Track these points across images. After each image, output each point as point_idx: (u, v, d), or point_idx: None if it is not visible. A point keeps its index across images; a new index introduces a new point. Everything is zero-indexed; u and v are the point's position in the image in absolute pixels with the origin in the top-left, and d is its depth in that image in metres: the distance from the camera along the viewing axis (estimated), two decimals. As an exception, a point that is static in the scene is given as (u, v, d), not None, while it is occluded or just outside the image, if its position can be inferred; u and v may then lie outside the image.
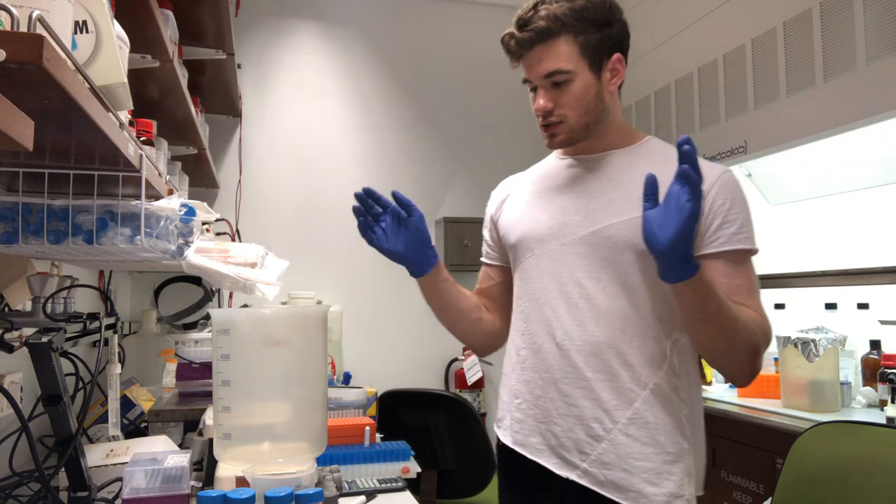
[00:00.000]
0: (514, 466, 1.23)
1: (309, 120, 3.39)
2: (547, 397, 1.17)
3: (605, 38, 1.15)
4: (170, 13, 1.61)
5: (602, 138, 1.22)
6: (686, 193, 0.93)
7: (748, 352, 1.08)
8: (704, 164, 1.15)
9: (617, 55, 1.17)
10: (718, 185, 1.13)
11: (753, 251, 1.13)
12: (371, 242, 1.21)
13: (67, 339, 1.20)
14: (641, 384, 1.12)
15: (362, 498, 1.29)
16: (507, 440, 1.23)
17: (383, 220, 1.20)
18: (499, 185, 1.40)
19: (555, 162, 1.30)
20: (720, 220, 1.11)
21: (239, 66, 3.03)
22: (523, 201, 1.29)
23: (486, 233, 1.39)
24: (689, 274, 0.98)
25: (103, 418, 1.62)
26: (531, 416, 1.19)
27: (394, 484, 1.37)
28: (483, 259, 1.40)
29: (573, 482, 1.13)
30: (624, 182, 1.17)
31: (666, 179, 1.09)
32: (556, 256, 1.19)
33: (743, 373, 1.11)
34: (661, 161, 1.17)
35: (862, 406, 2.18)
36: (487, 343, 1.36)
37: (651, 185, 0.98)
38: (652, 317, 1.12)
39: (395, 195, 1.21)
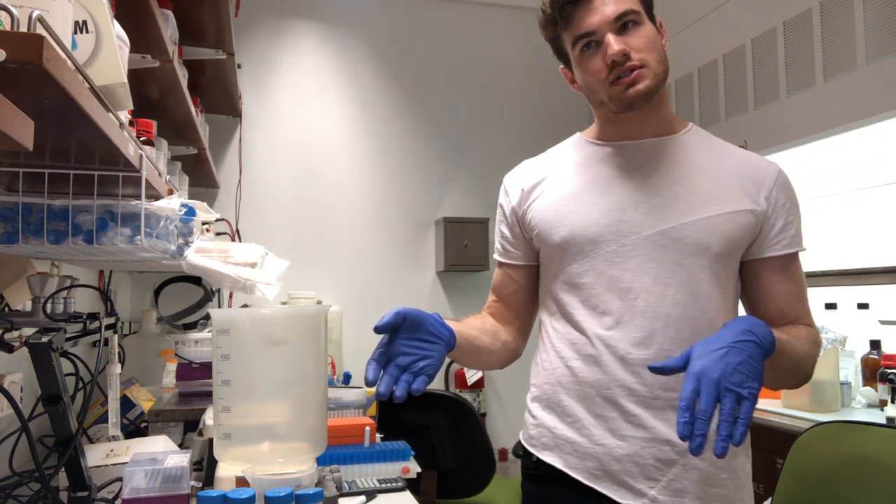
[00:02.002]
0: (555, 491, 1.10)
1: (309, 120, 3.39)
2: (608, 417, 1.04)
3: None
4: (170, 13, 1.61)
5: (650, 117, 1.10)
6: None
7: (808, 373, 1.06)
8: (757, 160, 1.12)
9: (659, 18, 1.11)
10: (779, 184, 1.08)
11: (804, 251, 1.10)
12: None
13: (67, 339, 1.20)
14: None
15: (362, 498, 1.29)
16: (557, 463, 1.09)
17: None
18: (513, 172, 1.24)
19: (590, 148, 1.16)
20: (783, 221, 1.07)
21: (239, 66, 3.03)
22: (563, 193, 1.13)
23: (504, 229, 1.22)
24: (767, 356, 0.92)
25: (103, 418, 1.62)
26: (587, 437, 1.06)
27: (394, 484, 1.37)
28: (501, 258, 1.23)
29: None
30: (685, 176, 1.07)
31: (721, 175, 1.07)
32: (614, 259, 1.06)
33: (796, 387, 1.10)
34: (714, 154, 1.11)
35: (862, 406, 2.18)
36: (505, 364, 1.22)
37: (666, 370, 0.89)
38: None
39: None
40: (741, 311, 1.13)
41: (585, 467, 1.06)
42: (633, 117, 1.09)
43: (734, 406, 0.81)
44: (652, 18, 1.08)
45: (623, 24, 1.03)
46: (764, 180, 1.08)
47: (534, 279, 1.21)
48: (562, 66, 1.17)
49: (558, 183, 1.15)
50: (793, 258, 1.08)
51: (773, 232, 1.06)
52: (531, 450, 1.15)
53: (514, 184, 1.21)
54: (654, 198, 1.06)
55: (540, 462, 1.12)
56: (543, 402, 1.14)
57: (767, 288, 1.08)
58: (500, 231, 1.23)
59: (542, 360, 1.15)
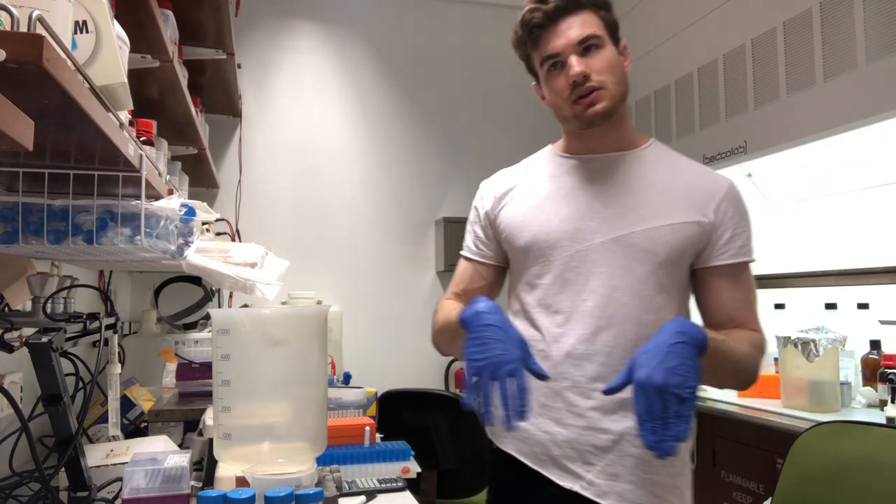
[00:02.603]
0: (511, 476, 1.19)
1: (309, 120, 3.39)
2: (553, 406, 1.14)
3: (614, 21, 1.18)
4: (170, 13, 1.61)
5: (611, 133, 1.19)
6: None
7: (750, 374, 1.12)
8: (710, 175, 1.20)
9: (624, 41, 1.18)
10: (729, 198, 1.15)
11: (753, 262, 1.17)
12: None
13: (67, 339, 1.20)
14: None
15: (362, 498, 1.29)
16: (511, 449, 1.19)
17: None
18: (490, 179, 1.33)
19: (557, 161, 1.25)
20: (730, 232, 1.14)
21: (239, 66, 3.03)
22: (531, 201, 1.23)
23: (476, 229, 1.32)
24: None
25: (103, 418, 1.62)
26: (534, 425, 1.15)
27: (394, 484, 1.37)
28: (471, 256, 1.32)
29: (576, 493, 1.11)
30: (638, 189, 1.16)
31: (671, 189, 1.14)
32: (570, 263, 1.15)
33: (742, 388, 1.18)
34: (669, 169, 1.19)
35: (862, 406, 2.18)
36: None
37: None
38: None
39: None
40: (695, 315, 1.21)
41: (533, 452, 1.16)
42: (595, 133, 1.18)
43: (678, 406, 0.90)
44: (616, 42, 1.17)
45: (586, 46, 1.13)
46: (714, 194, 1.15)
47: (499, 278, 1.31)
48: (534, 83, 1.26)
49: (527, 191, 1.25)
50: (741, 268, 1.15)
51: (720, 242, 1.14)
52: (492, 439, 1.26)
53: (489, 190, 1.32)
54: (609, 208, 1.16)
55: (499, 450, 1.23)
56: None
57: (715, 294, 1.16)
58: (473, 231, 1.33)
59: None
